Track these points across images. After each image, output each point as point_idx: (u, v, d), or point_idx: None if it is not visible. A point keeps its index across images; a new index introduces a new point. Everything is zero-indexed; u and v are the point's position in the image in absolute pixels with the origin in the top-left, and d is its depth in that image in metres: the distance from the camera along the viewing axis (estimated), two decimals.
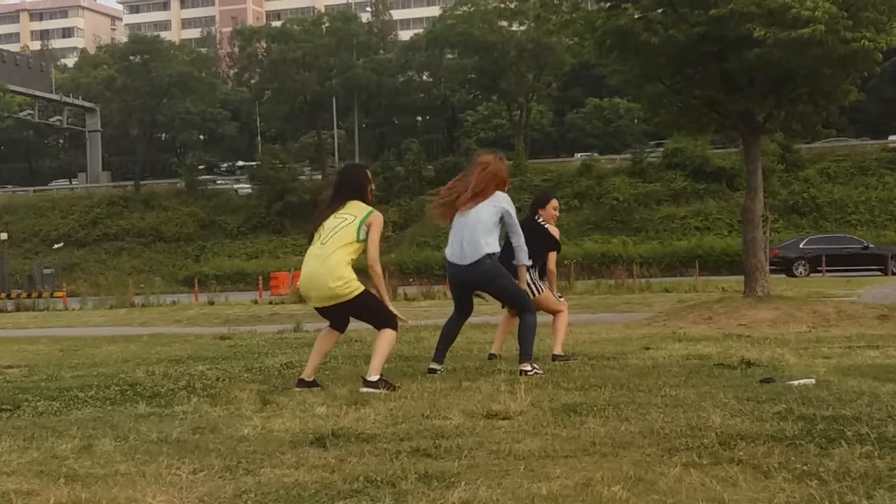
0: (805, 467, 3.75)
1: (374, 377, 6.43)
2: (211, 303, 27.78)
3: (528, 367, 7.12)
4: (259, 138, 73.54)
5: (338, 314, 6.82)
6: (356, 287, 6.58)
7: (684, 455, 4.04)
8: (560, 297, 8.64)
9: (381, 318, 6.70)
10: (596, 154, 61.39)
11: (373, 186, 6.98)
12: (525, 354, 7.25)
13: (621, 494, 3.42)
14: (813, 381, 6.17)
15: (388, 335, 6.64)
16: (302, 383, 6.73)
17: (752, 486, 3.54)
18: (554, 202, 8.67)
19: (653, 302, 19.30)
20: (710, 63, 14.16)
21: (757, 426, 4.62)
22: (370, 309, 6.71)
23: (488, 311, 8.98)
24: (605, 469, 3.79)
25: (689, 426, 4.66)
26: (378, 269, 6.69)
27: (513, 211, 7.39)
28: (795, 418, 4.78)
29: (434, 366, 7.51)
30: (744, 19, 12.73)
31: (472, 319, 7.88)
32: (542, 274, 8.39)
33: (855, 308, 13.26)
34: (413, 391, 6.19)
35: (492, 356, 8.41)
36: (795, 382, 6.08)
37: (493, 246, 7.27)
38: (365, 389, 6.30)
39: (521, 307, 7.51)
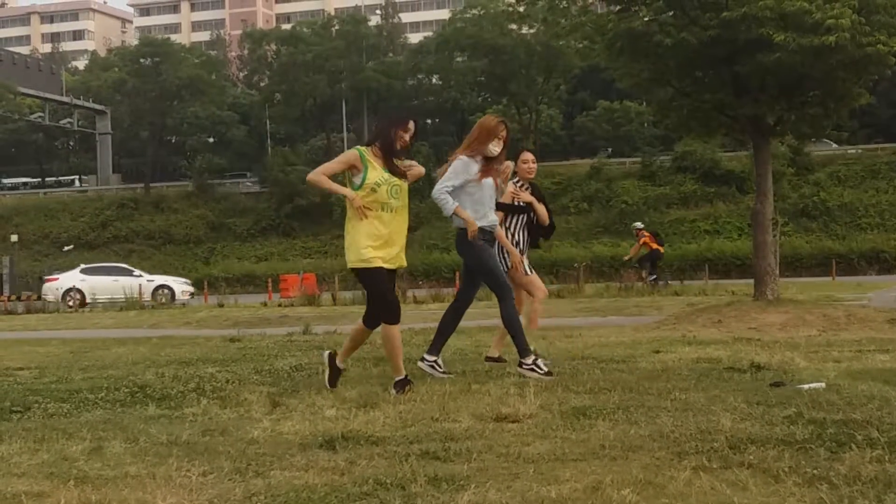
0: (815, 471, 3.74)
1: (399, 376, 6.45)
2: (220, 305, 27.77)
3: (529, 361, 6.94)
4: (268, 141, 73.66)
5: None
6: (353, 259, 6.44)
7: (694, 459, 4.03)
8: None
9: (377, 303, 6.57)
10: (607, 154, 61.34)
11: (394, 131, 6.49)
12: (522, 351, 7.03)
13: (631, 498, 3.42)
14: (823, 384, 6.15)
15: (385, 335, 6.51)
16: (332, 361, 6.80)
17: (762, 490, 3.53)
18: (523, 155, 8.05)
19: (662, 305, 19.24)
20: (720, 66, 14.12)
21: (767, 430, 4.61)
22: (366, 288, 6.60)
23: (495, 313, 8.96)
24: (615, 472, 3.79)
25: (698, 430, 4.65)
26: (312, 178, 6.51)
27: (451, 170, 7.00)
28: (805, 422, 4.76)
29: (427, 356, 7.37)
30: (757, 23, 12.69)
31: (481, 322, 7.85)
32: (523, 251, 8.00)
33: (865, 312, 13.20)
34: (422, 394, 6.19)
35: (499, 359, 8.32)
36: (805, 386, 6.07)
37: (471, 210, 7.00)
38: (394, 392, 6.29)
39: (499, 292, 7.14)
